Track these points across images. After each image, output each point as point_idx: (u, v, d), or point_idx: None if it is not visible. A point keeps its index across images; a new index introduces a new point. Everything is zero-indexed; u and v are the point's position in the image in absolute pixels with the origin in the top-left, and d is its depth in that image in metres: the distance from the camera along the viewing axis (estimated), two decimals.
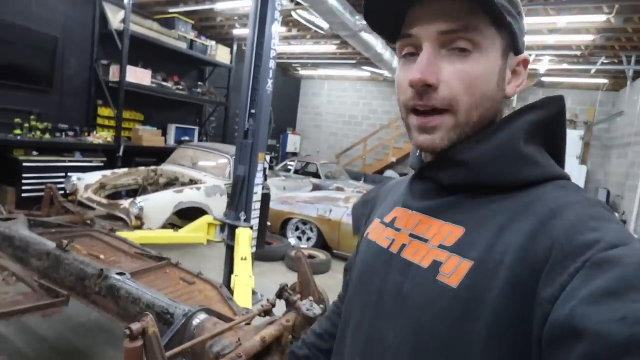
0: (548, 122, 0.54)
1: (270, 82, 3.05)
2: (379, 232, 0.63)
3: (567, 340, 0.36)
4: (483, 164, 0.52)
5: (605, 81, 8.62)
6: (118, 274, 1.64)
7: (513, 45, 0.55)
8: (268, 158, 3.93)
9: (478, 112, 0.53)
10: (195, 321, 1.40)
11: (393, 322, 0.53)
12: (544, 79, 8.93)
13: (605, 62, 7.26)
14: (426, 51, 0.52)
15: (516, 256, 0.44)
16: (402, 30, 0.55)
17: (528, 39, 6.36)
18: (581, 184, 8.74)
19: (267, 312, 1.41)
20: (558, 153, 0.56)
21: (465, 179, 0.53)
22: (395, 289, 0.54)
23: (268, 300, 1.42)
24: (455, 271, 0.48)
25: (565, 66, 7.85)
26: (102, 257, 2.02)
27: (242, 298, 2.17)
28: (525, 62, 0.57)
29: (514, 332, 0.42)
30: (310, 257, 4.61)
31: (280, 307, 1.40)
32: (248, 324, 1.44)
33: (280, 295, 1.42)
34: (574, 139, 9.03)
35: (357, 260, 0.66)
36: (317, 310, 1.36)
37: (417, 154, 0.65)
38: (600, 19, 5.32)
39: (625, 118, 7.78)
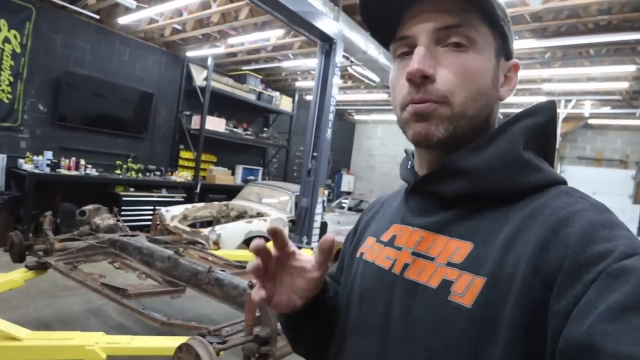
0: (542, 128, 0.54)
1: (329, 131, 3.71)
2: (377, 251, 0.60)
3: (584, 358, 0.35)
4: (486, 171, 0.50)
5: None
6: (221, 270, 2.26)
7: (504, 48, 0.55)
8: (326, 192, 4.55)
9: (473, 106, 0.51)
10: None
11: (403, 349, 0.50)
12: (591, 121, 9.10)
13: None
14: (422, 44, 0.51)
15: (527, 267, 0.42)
16: (397, 34, 0.55)
17: (570, 86, 6.69)
18: (635, 224, 8.43)
19: None
20: (548, 159, 0.55)
21: (468, 189, 0.51)
22: (403, 312, 0.51)
23: None
24: (468, 289, 0.45)
25: (609, 109, 7.99)
26: (210, 259, 2.67)
27: None
28: (516, 67, 0.57)
29: (530, 349, 0.40)
30: None
31: None
32: None
33: None
34: (625, 178, 9.21)
35: (354, 283, 0.62)
36: None
37: (409, 166, 0.62)
38: (630, 69, 5.62)
39: None
